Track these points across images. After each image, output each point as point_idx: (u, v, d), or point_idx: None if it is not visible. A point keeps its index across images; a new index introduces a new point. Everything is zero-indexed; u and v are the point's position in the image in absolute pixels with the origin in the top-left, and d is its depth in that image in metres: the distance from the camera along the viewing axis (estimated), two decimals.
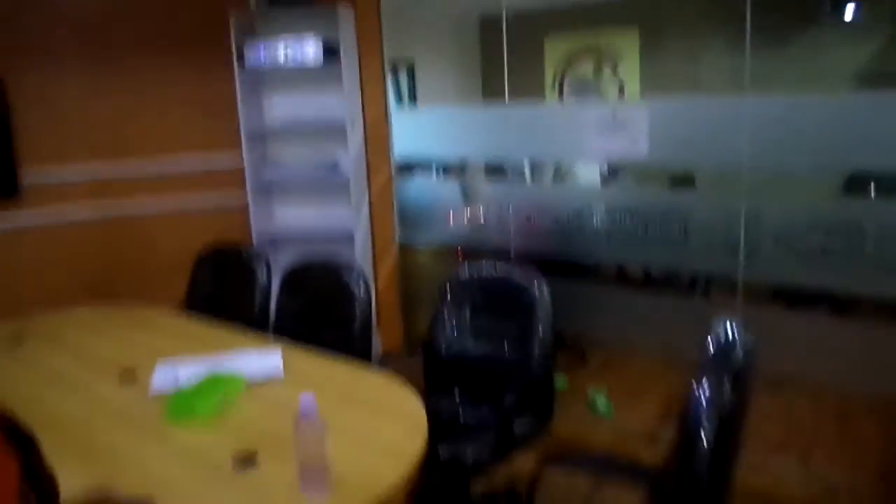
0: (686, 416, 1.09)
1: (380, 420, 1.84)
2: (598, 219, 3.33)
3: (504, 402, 2.12)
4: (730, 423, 1.07)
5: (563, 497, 2.78)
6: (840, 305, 4.63)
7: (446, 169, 4.60)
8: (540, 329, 2.38)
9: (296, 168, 3.86)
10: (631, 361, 4.16)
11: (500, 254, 3.57)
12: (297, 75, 3.80)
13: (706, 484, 1.06)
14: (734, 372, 1.11)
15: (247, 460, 1.62)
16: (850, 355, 2.79)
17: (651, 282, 5.29)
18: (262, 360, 2.25)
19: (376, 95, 3.87)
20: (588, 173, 4.55)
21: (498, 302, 2.52)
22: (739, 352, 1.16)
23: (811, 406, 3.51)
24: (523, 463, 2.51)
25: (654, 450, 3.15)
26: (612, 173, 5.02)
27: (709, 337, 1.23)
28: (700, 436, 1.05)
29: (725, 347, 1.18)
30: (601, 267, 4.70)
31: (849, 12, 5.01)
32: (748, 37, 2.79)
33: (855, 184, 4.76)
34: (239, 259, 3.11)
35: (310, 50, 3.60)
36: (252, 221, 3.89)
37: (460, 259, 3.94)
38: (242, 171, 3.84)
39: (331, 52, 3.61)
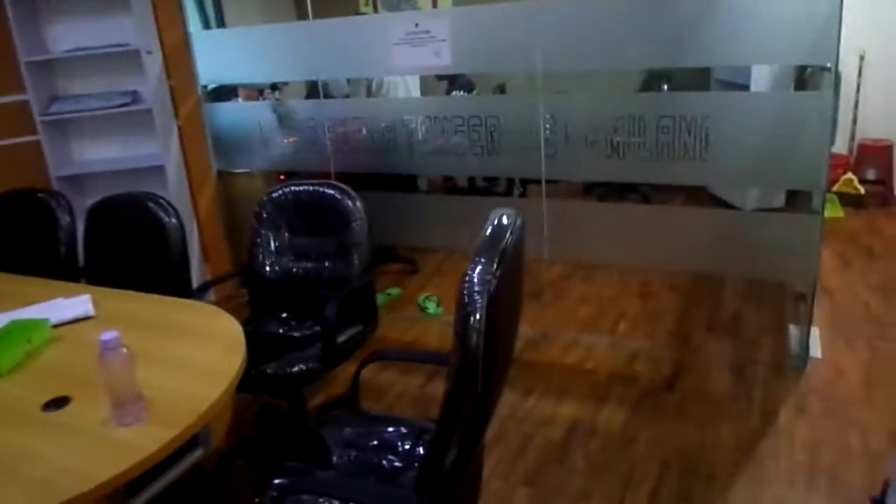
0: (461, 296, 1.20)
1: (196, 345, 1.85)
2: (416, 131, 3.39)
3: (325, 314, 2.18)
4: (497, 298, 1.19)
5: (398, 394, 2.95)
6: (644, 195, 5.13)
7: (261, 90, 4.47)
8: (356, 240, 2.45)
9: (90, 100, 3.59)
10: (460, 265, 4.37)
11: (322, 174, 3.57)
12: None
13: (482, 354, 1.19)
14: (501, 251, 1.24)
15: (58, 403, 1.59)
16: (650, 238, 3.10)
17: (474, 189, 5.53)
18: (70, 304, 2.17)
19: (172, 17, 3.63)
20: (409, 86, 4.59)
21: (314, 219, 2.56)
22: (508, 234, 1.29)
23: (618, 287, 3.91)
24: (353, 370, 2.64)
25: None
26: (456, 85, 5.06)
27: (485, 225, 1.35)
28: (474, 313, 1.17)
29: (496, 232, 1.30)
30: (425, 179, 4.85)
31: None
32: None
33: (651, 82, 5.18)
34: (35, 203, 2.89)
35: None
36: (48, 162, 3.60)
37: (283, 181, 3.89)
38: (29, 108, 3.52)
39: None
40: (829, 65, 2.97)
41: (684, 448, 2.50)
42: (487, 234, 1.32)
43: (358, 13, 6.26)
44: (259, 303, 2.68)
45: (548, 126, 3.08)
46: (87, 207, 2.80)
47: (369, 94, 4.24)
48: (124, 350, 1.46)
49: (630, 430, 2.62)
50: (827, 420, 2.60)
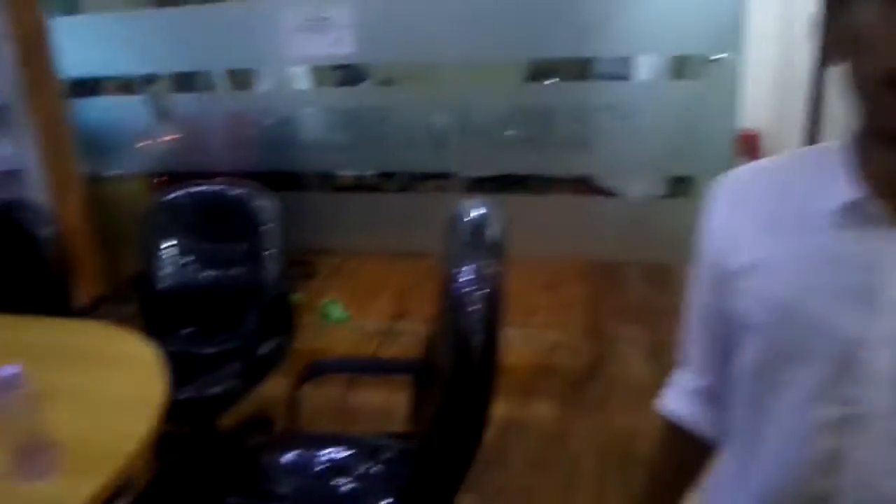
0: (451, 297, 1.07)
1: (106, 374, 1.59)
2: (308, 125, 3.19)
3: (245, 327, 1.96)
4: (496, 297, 1.07)
5: (320, 408, 2.74)
6: (540, 185, 5.16)
7: (130, 85, 4.05)
8: (270, 243, 2.24)
9: None
10: (360, 266, 4.20)
11: (208, 174, 3.26)
12: None
13: (481, 358, 1.06)
14: (492, 247, 1.11)
15: None
16: (551, 228, 3.07)
17: (366, 185, 5.34)
18: None
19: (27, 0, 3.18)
20: (300, 77, 4.33)
21: (219, 223, 2.31)
22: (491, 226, 1.17)
23: (526, 279, 3.86)
24: (273, 387, 2.41)
25: (394, 345, 3.24)
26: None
27: (458, 220, 1.22)
28: (473, 313, 1.04)
29: (477, 225, 1.17)
30: (317, 175, 4.61)
31: None
32: None
33: (536, 73, 5.21)
34: None
35: None
36: None
37: (164, 184, 3.53)
38: None
39: None
40: (725, 55, 3.10)
41: (618, 436, 2.48)
42: (466, 228, 1.19)
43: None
44: (155, 319, 2.38)
45: (438, 119, 2.98)
46: None
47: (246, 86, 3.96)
48: (28, 390, 1.20)
49: (562, 423, 2.57)
50: None
